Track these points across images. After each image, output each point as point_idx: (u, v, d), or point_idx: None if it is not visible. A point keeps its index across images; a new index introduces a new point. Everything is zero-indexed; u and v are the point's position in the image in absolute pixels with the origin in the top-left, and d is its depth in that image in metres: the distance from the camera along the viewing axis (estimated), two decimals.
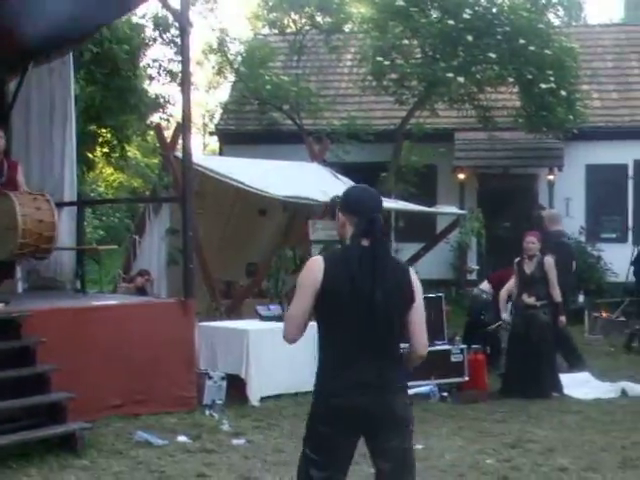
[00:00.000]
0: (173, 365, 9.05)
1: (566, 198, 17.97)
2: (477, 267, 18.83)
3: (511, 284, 10.67)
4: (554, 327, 10.41)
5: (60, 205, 10.74)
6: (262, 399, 9.63)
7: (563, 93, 15.75)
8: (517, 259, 10.58)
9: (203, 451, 7.58)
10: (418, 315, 4.23)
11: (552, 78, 15.46)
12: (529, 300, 10.25)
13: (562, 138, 18.02)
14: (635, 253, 14.28)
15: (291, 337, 4.31)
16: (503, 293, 10.86)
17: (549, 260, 10.33)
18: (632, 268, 15.63)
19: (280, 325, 10.73)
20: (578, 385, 10.37)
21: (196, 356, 9.63)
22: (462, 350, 10.39)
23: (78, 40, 11.92)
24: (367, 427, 4.10)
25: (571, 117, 16.42)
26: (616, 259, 17.46)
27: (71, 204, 11.02)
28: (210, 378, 9.41)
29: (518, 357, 10.21)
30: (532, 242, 10.35)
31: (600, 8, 40.83)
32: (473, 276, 18.70)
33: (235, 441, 7.91)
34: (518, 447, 7.76)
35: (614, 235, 18.88)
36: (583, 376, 10.72)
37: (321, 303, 4.11)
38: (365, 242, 4.12)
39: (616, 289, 16.93)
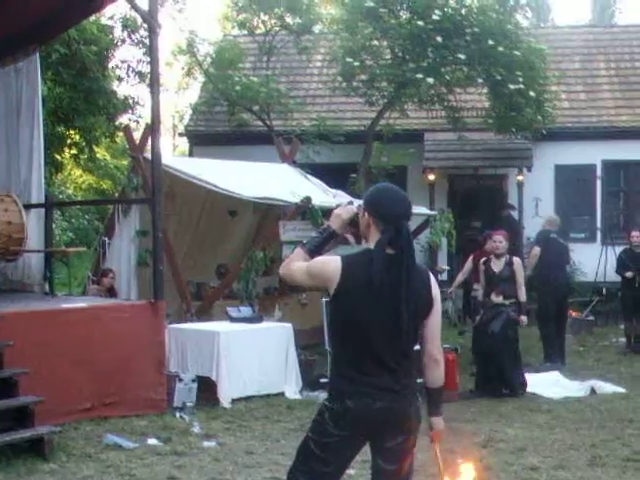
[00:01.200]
0: (143, 367, 8.99)
1: (535, 198, 18.06)
2: (448, 267, 18.87)
3: (468, 268, 11.56)
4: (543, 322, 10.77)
5: (28, 207, 10.66)
6: (233, 401, 9.60)
7: (532, 94, 15.81)
8: (484, 259, 10.68)
9: (173, 454, 7.55)
10: (435, 320, 4.22)
11: (521, 79, 15.51)
12: (497, 299, 10.31)
13: (531, 139, 18.12)
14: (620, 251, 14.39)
15: (286, 272, 4.20)
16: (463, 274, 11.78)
17: (518, 260, 10.49)
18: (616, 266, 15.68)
19: (251, 327, 10.76)
20: (548, 384, 10.44)
21: (166, 358, 9.59)
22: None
23: (45, 40, 11.82)
24: (379, 431, 4.10)
25: (540, 118, 16.50)
26: (585, 259, 17.58)
27: (39, 206, 10.92)
28: (180, 380, 9.36)
29: (485, 356, 10.28)
30: (500, 241, 10.45)
31: (568, 10, 41.16)
32: (444, 276, 18.75)
33: (206, 443, 7.88)
34: (489, 446, 7.80)
35: (583, 235, 19.00)
36: (552, 375, 10.79)
37: (339, 304, 4.07)
38: (390, 250, 4.07)
39: (585, 289, 17.04)
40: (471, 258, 12.31)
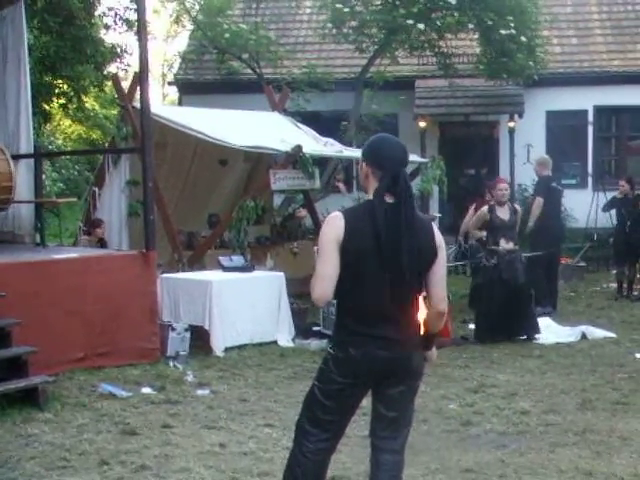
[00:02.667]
0: (136, 317, 9.01)
1: (527, 144, 18.01)
2: (439, 215, 18.86)
3: (470, 223, 11.20)
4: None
5: (17, 157, 10.58)
6: (226, 349, 9.65)
7: (523, 39, 15.69)
8: (486, 206, 10.65)
9: (167, 402, 7.59)
10: (439, 270, 4.21)
11: (512, 24, 15.38)
12: (508, 246, 10.34)
13: (522, 85, 18.03)
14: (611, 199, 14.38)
15: (324, 299, 4.09)
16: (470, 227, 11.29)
17: (518, 207, 10.57)
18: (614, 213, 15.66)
19: (243, 276, 10.78)
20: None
21: (159, 308, 9.61)
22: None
23: None
24: (382, 379, 4.14)
25: (531, 63, 16.40)
26: (576, 205, 17.58)
27: (28, 156, 10.84)
28: (173, 330, 9.39)
29: (504, 301, 10.24)
30: (505, 189, 10.48)
31: None
32: (435, 224, 18.77)
33: (199, 391, 7.93)
34: (480, 392, 7.86)
35: (574, 181, 19.00)
36: (544, 321, 10.85)
37: (343, 259, 4.04)
38: (389, 198, 4.06)
39: (576, 235, 17.08)
40: (473, 207, 12.29)
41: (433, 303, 4.24)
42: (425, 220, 4.25)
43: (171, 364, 8.96)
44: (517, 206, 10.68)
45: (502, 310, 10.21)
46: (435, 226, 4.26)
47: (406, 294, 4.12)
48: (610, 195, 14.98)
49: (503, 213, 10.43)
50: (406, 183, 4.09)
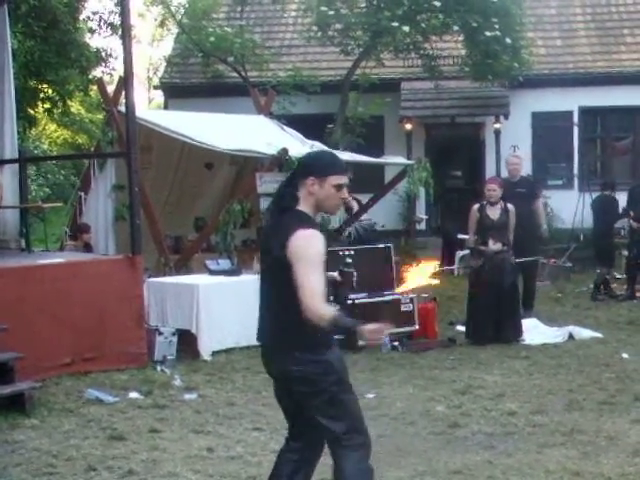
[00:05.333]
0: (123, 322, 8.99)
1: (512, 146, 18.00)
2: (426, 216, 18.94)
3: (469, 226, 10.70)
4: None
5: (1, 162, 10.56)
6: (213, 353, 9.63)
7: (508, 41, 15.74)
8: (477, 205, 10.56)
9: (155, 407, 7.57)
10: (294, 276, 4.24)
11: (497, 26, 15.44)
12: (495, 247, 10.30)
13: (508, 86, 18.09)
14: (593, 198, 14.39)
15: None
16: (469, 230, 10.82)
17: (512, 207, 10.42)
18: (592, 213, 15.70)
19: (230, 279, 10.74)
20: (526, 331, 10.51)
21: (146, 312, 9.58)
22: (412, 299, 10.46)
23: None
24: None
25: (516, 65, 16.45)
26: (563, 206, 17.65)
27: (13, 161, 10.79)
28: (160, 334, 9.37)
29: (491, 303, 10.24)
30: (494, 189, 10.41)
31: None
32: (422, 226, 18.80)
33: (187, 396, 7.91)
34: (468, 393, 7.87)
35: (560, 182, 19.07)
36: (531, 322, 10.86)
37: None
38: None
39: (562, 235, 17.13)
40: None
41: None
42: (287, 225, 4.21)
43: (158, 368, 8.93)
44: (510, 206, 10.47)
45: (489, 311, 10.22)
46: (297, 233, 4.13)
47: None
48: (595, 196, 15.01)
49: (493, 213, 10.38)
50: (281, 186, 4.42)
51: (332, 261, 10.68)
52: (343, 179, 4.31)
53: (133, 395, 7.93)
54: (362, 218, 14.31)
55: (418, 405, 7.49)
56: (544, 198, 17.73)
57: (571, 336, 10.38)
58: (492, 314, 10.22)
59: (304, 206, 4.26)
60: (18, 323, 7.91)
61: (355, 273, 4.90)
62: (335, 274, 4.74)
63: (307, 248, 4.10)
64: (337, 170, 4.30)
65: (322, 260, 4.11)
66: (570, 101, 18.82)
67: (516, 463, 5.96)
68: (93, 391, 7.93)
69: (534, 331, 10.57)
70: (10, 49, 11.14)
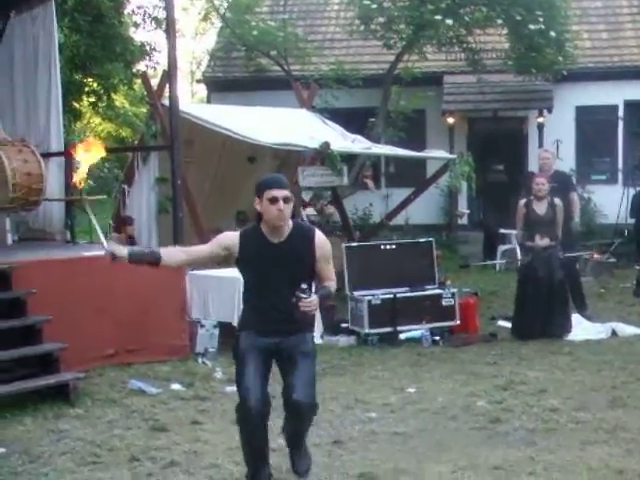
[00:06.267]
0: (165, 314, 9.07)
1: (556, 140, 17.87)
2: (468, 211, 18.85)
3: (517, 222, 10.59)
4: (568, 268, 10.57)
5: (47, 156, 10.67)
6: None
7: (552, 34, 15.59)
8: (523, 200, 10.47)
9: (196, 398, 7.64)
10: None
11: (541, 19, 15.29)
12: (543, 242, 10.21)
13: (551, 80, 17.92)
14: (634, 193, 14.23)
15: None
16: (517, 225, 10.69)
17: (559, 201, 10.33)
18: (629, 209, 15.53)
19: None
20: None
21: (188, 305, 9.66)
22: (453, 294, 10.43)
23: None
24: None
25: (560, 58, 16.29)
26: (606, 201, 17.48)
27: (58, 154, 10.93)
28: (202, 326, 9.44)
29: (540, 299, 10.17)
30: (542, 183, 10.31)
31: None
32: (464, 220, 18.71)
33: (228, 388, 7.93)
34: (509, 389, 7.83)
35: (604, 177, 18.88)
36: (574, 317, 10.77)
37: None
38: None
39: (606, 231, 16.96)
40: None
41: None
42: None
43: (200, 361, 9.00)
44: (557, 201, 10.35)
45: (538, 307, 10.14)
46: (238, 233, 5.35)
47: None
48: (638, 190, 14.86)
49: (540, 208, 10.28)
50: None
51: (374, 253, 10.70)
52: (274, 192, 5.07)
53: (175, 387, 8.01)
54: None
55: (459, 400, 7.47)
56: (587, 193, 17.65)
57: (614, 332, 10.28)
58: (541, 310, 10.14)
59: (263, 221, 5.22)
60: (63, 314, 8.02)
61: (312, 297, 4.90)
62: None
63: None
64: (270, 186, 5.11)
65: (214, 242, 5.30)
66: (615, 95, 18.60)
67: (558, 460, 5.91)
68: (136, 382, 8.03)
69: (577, 327, 10.47)
70: (57, 43, 11.27)
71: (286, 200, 5.08)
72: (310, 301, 5.01)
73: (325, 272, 5.29)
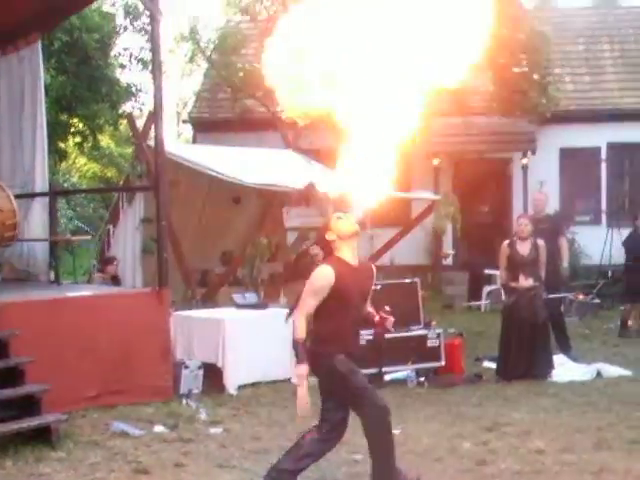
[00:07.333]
0: (149, 355, 9.01)
1: (540, 181, 17.97)
2: (453, 252, 18.88)
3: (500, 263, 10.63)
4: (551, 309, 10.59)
5: (32, 196, 10.67)
6: (239, 387, 9.62)
7: (536, 77, 15.78)
8: (507, 241, 10.53)
9: (180, 440, 7.56)
10: None
11: (525, 62, 15.47)
12: (526, 283, 10.23)
13: (535, 122, 18.06)
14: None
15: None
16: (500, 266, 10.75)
17: (542, 242, 10.38)
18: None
19: (257, 313, 10.79)
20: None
21: (172, 345, 9.60)
22: (438, 335, 10.41)
23: (46, 28, 11.79)
24: None
25: (544, 101, 16.45)
26: (590, 242, 17.56)
27: (43, 194, 10.91)
28: (186, 367, 9.38)
29: (524, 339, 10.17)
30: (525, 224, 10.37)
31: None
32: (449, 261, 18.74)
33: (212, 430, 7.90)
34: (495, 430, 7.80)
35: (588, 218, 18.97)
36: (558, 358, 10.77)
37: None
38: None
39: (590, 272, 17.02)
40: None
41: None
42: None
43: (184, 402, 8.94)
44: (540, 241, 10.42)
45: (522, 348, 10.14)
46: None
47: None
48: (625, 231, 14.94)
49: (523, 248, 10.33)
50: None
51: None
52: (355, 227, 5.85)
53: (159, 428, 7.93)
54: None
55: (444, 442, 7.43)
56: (571, 234, 17.73)
57: (599, 373, 10.28)
58: (525, 351, 10.14)
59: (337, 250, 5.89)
60: (45, 355, 7.96)
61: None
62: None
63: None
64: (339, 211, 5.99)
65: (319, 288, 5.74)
66: (598, 137, 18.78)
67: None
68: (119, 424, 7.94)
69: (562, 368, 10.47)
70: (43, 84, 11.31)
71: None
72: (392, 320, 5.95)
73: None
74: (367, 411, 5.86)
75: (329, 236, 5.79)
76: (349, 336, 5.90)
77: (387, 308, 6.01)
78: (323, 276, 5.72)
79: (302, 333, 5.76)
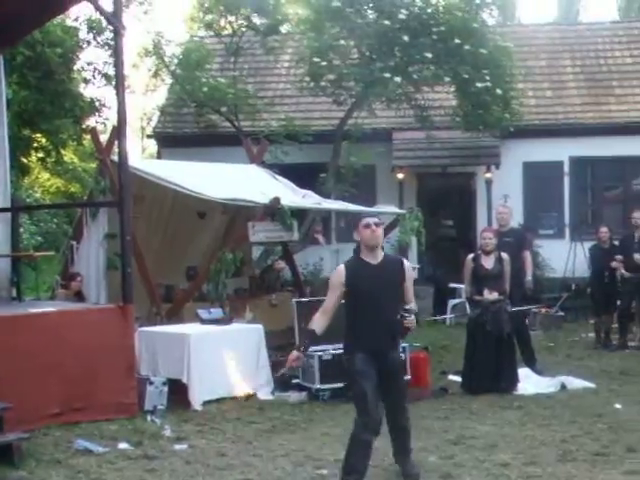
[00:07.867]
0: (113, 371, 8.93)
1: (504, 195, 18.10)
2: (418, 266, 18.93)
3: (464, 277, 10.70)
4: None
5: None
6: (204, 403, 9.56)
7: (499, 92, 15.89)
8: (471, 255, 10.60)
9: (145, 457, 7.50)
10: None
11: (488, 77, 15.59)
12: (492, 296, 10.28)
13: (498, 136, 18.21)
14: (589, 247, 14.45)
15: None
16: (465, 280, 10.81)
17: (506, 256, 10.43)
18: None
19: (222, 328, 10.74)
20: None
21: (136, 361, 9.53)
22: (404, 349, 10.40)
23: (8, 43, 11.70)
24: None
25: (507, 115, 16.59)
26: (554, 255, 17.69)
27: (5, 210, 10.81)
28: (151, 383, 9.31)
29: (489, 353, 10.21)
30: (490, 238, 10.43)
31: (533, 8, 41.47)
32: (414, 275, 18.77)
33: (177, 446, 7.84)
34: (460, 444, 7.81)
35: (551, 231, 19.12)
36: (523, 371, 10.83)
37: None
38: None
39: (554, 285, 17.15)
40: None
41: None
42: None
43: (149, 418, 8.87)
44: (505, 255, 10.50)
45: (487, 361, 10.18)
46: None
47: None
48: (587, 245, 15.07)
49: (488, 262, 10.39)
50: None
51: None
52: (367, 220, 6.37)
53: (123, 445, 7.86)
54: None
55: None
56: (535, 247, 17.86)
57: (563, 386, 10.35)
58: (490, 364, 10.18)
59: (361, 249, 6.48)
60: (7, 373, 7.87)
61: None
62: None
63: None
64: (363, 216, 6.55)
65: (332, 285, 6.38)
66: (561, 151, 18.94)
67: None
68: (82, 442, 7.86)
69: (526, 381, 10.53)
70: (5, 99, 11.21)
71: (377, 225, 6.33)
72: (412, 319, 6.23)
73: (410, 293, 6.48)
74: (356, 417, 6.28)
75: (355, 236, 6.42)
76: (366, 334, 6.26)
77: (407, 307, 6.31)
78: (336, 273, 6.37)
79: (313, 325, 6.29)
